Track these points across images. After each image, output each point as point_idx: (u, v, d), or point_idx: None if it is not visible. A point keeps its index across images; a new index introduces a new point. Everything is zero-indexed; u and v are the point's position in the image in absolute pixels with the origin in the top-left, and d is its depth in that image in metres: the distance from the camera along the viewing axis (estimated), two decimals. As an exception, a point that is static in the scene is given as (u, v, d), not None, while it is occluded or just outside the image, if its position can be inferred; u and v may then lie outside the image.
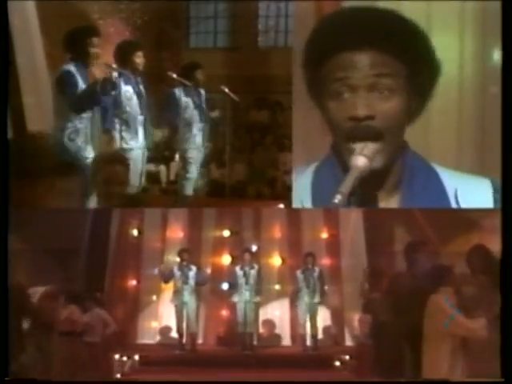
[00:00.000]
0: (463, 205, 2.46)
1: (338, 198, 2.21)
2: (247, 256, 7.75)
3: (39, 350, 4.90)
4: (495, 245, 3.81)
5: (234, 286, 7.71)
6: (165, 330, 8.15)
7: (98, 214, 7.52)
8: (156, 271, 7.96)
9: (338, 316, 8.01)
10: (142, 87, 5.76)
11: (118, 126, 5.58)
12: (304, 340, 7.64)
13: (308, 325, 7.61)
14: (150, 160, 6.37)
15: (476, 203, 2.48)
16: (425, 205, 2.48)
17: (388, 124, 2.33)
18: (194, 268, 7.68)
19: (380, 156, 2.34)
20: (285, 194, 6.97)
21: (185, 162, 6.59)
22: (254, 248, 8.16)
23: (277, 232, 8.35)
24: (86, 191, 3.81)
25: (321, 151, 2.72)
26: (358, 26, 2.30)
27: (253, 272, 7.68)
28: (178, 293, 7.62)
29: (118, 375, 6.51)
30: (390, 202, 2.47)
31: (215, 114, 6.74)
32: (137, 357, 6.94)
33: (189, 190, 6.57)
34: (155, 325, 8.22)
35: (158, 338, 8.18)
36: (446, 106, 3.36)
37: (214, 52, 10.94)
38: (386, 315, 4.77)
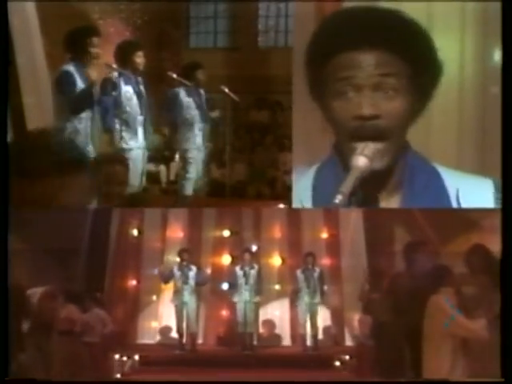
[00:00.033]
0: (465, 205, 2.45)
1: (338, 198, 2.20)
2: (247, 256, 7.75)
3: (39, 350, 4.90)
4: (495, 245, 3.81)
5: (234, 286, 7.71)
6: (165, 330, 8.15)
7: (98, 214, 7.52)
8: (156, 271, 7.96)
9: (338, 316, 8.01)
10: (142, 87, 5.76)
11: (118, 126, 5.58)
12: (304, 340, 7.64)
13: (308, 325, 7.61)
14: (149, 160, 6.37)
15: (478, 203, 2.47)
16: (426, 205, 2.48)
17: (392, 124, 2.33)
18: (194, 268, 7.68)
19: (383, 156, 2.33)
20: (285, 194, 6.97)
21: (185, 161, 6.58)
22: (254, 248, 8.16)
23: (277, 232, 8.35)
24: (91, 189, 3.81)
25: (321, 151, 2.71)
26: (362, 25, 2.30)
27: (253, 272, 7.67)
28: (177, 293, 7.62)
29: (118, 375, 6.51)
30: (390, 201, 2.46)
31: (215, 114, 6.73)
32: (137, 357, 6.94)
33: (189, 190, 6.57)
34: (155, 325, 8.21)
35: (158, 337, 8.18)
36: (446, 106, 3.36)
37: (214, 52, 10.95)
38: (386, 315, 4.77)
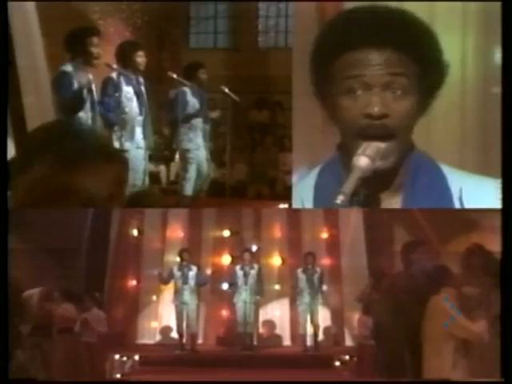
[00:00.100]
0: (467, 205, 2.44)
1: (340, 199, 2.19)
2: (247, 256, 7.75)
3: (39, 350, 4.90)
4: (495, 245, 3.80)
5: (234, 286, 7.71)
6: (165, 330, 8.15)
7: (98, 214, 7.52)
8: (156, 272, 7.96)
9: (337, 316, 8.01)
10: (142, 87, 5.77)
11: (117, 126, 5.58)
12: (304, 340, 7.63)
13: (308, 325, 7.62)
14: (149, 160, 6.37)
15: (481, 203, 2.47)
16: (428, 205, 2.47)
17: (400, 123, 2.32)
18: (194, 268, 7.68)
19: (389, 156, 2.32)
20: (285, 194, 6.96)
21: (185, 162, 6.58)
22: (254, 248, 8.16)
23: (277, 232, 8.36)
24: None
25: (321, 151, 2.71)
26: (371, 24, 2.29)
27: (253, 272, 7.67)
28: (178, 293, 7.62)
29: (118, 375, 6.51)
30: (392, 201, 2.45)
31: (216, 114, 6.74)
32: (137, 357, 6.95)
33: (189, 190, 6.57)
34: (155, 325, 8.22)
35: (158, 338, 8.19)
36: (448, 106, 3.35)
37: (214, 52, 10.94)
38: (386, 315, 4.77)
